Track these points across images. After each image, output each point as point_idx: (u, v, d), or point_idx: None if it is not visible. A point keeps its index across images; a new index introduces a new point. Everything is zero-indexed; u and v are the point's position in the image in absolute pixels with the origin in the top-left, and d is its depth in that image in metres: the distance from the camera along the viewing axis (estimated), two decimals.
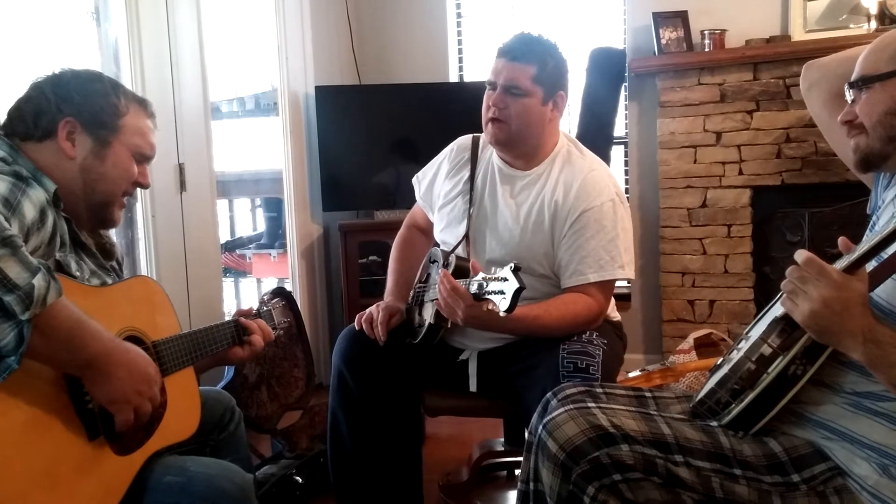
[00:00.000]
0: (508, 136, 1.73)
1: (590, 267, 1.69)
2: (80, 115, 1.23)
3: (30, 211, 1.06)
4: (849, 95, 1.21)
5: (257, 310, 1.57)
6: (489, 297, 1.43)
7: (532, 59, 1.70)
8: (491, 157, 1.85)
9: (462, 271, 1.61)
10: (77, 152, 1.23)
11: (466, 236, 1.81)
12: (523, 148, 1.77)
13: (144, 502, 1.17)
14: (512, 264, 1.40)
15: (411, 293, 1.88)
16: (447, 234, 1.87)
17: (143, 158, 1.33)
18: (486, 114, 1.74)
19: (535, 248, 1.74)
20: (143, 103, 1.34)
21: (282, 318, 1.63)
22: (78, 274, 1.21)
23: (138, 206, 2.33)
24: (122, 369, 1.09)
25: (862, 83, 1.18)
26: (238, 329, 1.46)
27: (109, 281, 1.29)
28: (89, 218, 1.28)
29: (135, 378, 1.11)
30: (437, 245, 1.92)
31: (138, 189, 1.36)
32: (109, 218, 1.31)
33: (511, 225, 1.77)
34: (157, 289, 1.37)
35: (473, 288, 1.50)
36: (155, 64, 2.34)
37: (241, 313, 1.52)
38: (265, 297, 1.65)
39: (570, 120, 3.27)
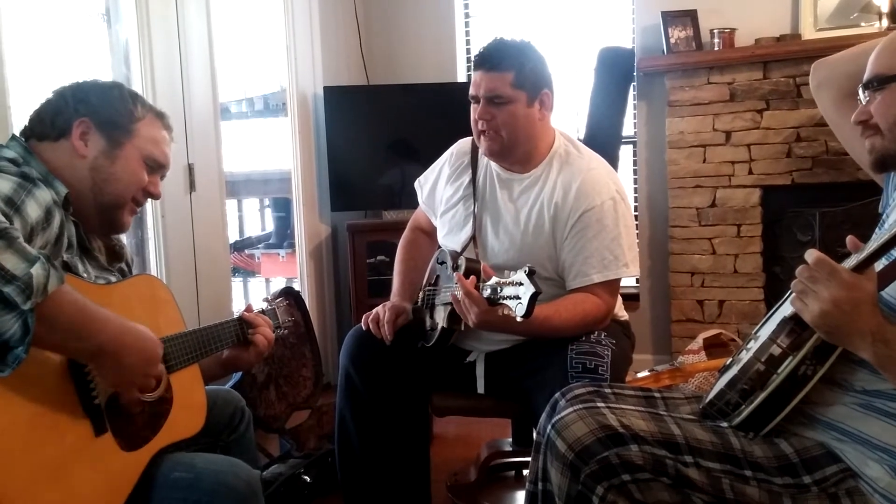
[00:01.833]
0: (502, 146, 1.72)
1: (593, 267, 1.68)
2: (95, 116, 1.26)
3: (34, 210, 1.07)
4: (863, 96, 1.20)
5: (261, 309, 1.58)
6: (504, 301, 1.42)
7: (508, 64, 1.68)
8: (489, 161, 1.84)
9: (473, 274, 1.61)
10: (89, 151, 1.25)
11: (473, 239, 1.80)
12: (518, 154, 1.76)
13: (152, 498, 1.18)
14: (526, 267, 1.38)
15: (421, 296, 1.88)
16: (449, 239, 1.87)
17: (156, 167, 1.34)
18: (475, 128, 1.74)
19: (538, 252, 1.73)
20: (160, 115, 1.36)
21: (286, 317, 1.63)
22: (85, 275, 1.22)
23: (148, 207, 2.34)
24: (132, 354, 1.11)
25: (877, 83, 1.17)
26: (242, 326, 1.46)
27: (113, 280, 1.30)
28: (99, 221, 1.29)
29: (144, 361, 1.14)
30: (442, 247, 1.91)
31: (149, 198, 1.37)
32: (118, 222, 1.32)
33: (512, 229, 1.77)
34: (162, 287, 1.38)
35: (486, 293, 1.48)
36: (165, 65, 2.35)
37: (245, 310, 1.52)
38: (269, 297, 1.66)
39: (577, 120, 3.27)
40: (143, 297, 1.30)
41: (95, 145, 1.26)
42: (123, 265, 1.38)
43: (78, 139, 1.24)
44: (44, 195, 1.11)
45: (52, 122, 1.24)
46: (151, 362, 1.16)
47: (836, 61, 1.38)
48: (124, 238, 1.44)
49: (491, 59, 1.69)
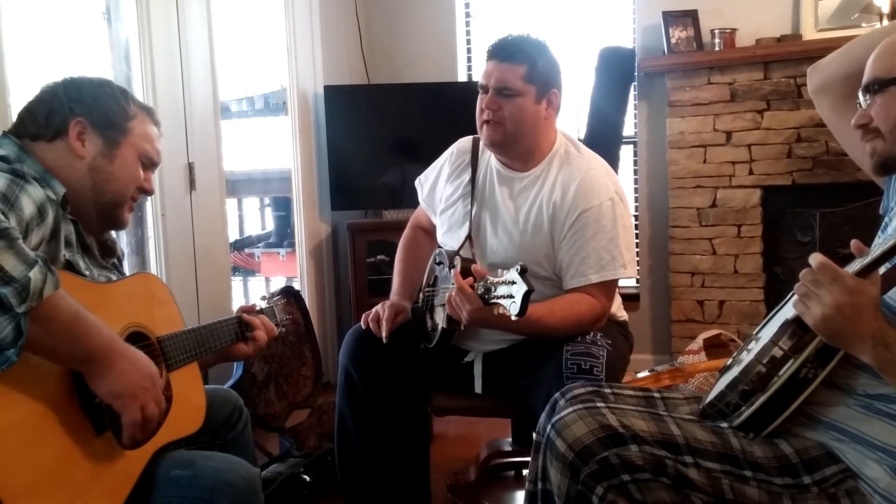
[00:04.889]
0: (504, 137, 1.72)
1: (591, 268, 1.68)
2: (90, 116, 1.25)
3: (28, 206, 1.07)
4: (863, 99, 1.20)
5: (260, 308, 1.58)
6: (499, 301, 1.42)
7: (521, 58, 1.68)
8: (490, 159, 1.84)
9: (468, 273, 1.61)
10: (87, 152, 1.25)
11: (469, 238, 1.80)
12: (519, 149, 1.76)
13: (152, 496, 1.18)
14: (518, 266, 1.38)
15: (420, 297, 1.88)
16: (449, 237, 1.87)
17: (150, 164, 1.35)
18: (479, 117, 1.74)
19: (536, 250, 1.73)
20: (149, 111, 1.37)
21: (284, 314, 1.64)
22: (87, 273, 1.22)
23: (148, 205, 2.34)
24: (125, 362, 1.09)
25: (876, 87, 1.17)
26: (241, 325, 1.47)
27: (114, 278, 1.30)
28: (98, 220, 1.29)
29: (138, 372, 1.10)
30: (441, 246, 1.91)
31: (144, 194, 1.38)
32: (119, 219, 1.32)
33: (510, 227, 1.76)
34: (161, 285, 1.38)
35: (480, 292, 1.48)
36: (165, 63, 2.35)
37: (244, 309, 1.53)
38: (268, 294, 1.67)
39: (578, 119, 3.27)
40: (142, 295, 1.30)
41: (93, 145, 1.26)
42: (115, 260, 1.39)
43: (75, 140, 1.24)
44: (36, 192, 1.10)
45: (46, 121, 1.23)
46: (146, 376, 1.11)
47: (827, 64, 1.38)
48: (123, 234, 1.44)
49: (505, 50, 1.69)
